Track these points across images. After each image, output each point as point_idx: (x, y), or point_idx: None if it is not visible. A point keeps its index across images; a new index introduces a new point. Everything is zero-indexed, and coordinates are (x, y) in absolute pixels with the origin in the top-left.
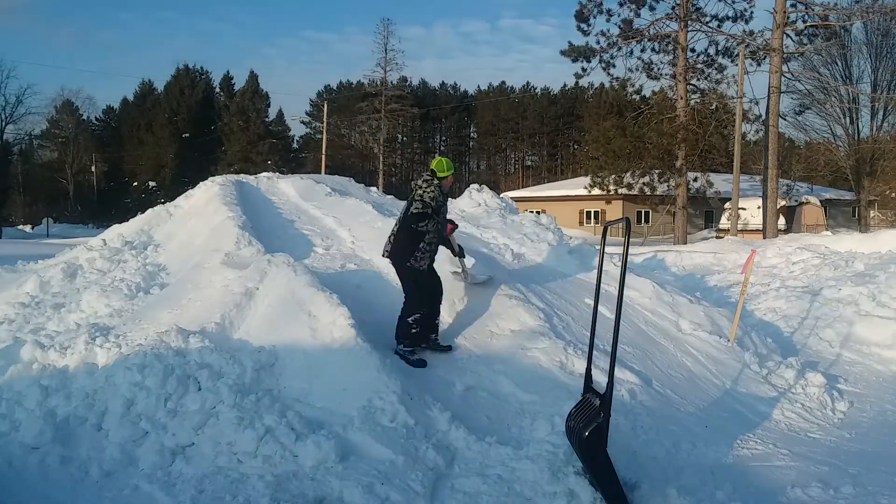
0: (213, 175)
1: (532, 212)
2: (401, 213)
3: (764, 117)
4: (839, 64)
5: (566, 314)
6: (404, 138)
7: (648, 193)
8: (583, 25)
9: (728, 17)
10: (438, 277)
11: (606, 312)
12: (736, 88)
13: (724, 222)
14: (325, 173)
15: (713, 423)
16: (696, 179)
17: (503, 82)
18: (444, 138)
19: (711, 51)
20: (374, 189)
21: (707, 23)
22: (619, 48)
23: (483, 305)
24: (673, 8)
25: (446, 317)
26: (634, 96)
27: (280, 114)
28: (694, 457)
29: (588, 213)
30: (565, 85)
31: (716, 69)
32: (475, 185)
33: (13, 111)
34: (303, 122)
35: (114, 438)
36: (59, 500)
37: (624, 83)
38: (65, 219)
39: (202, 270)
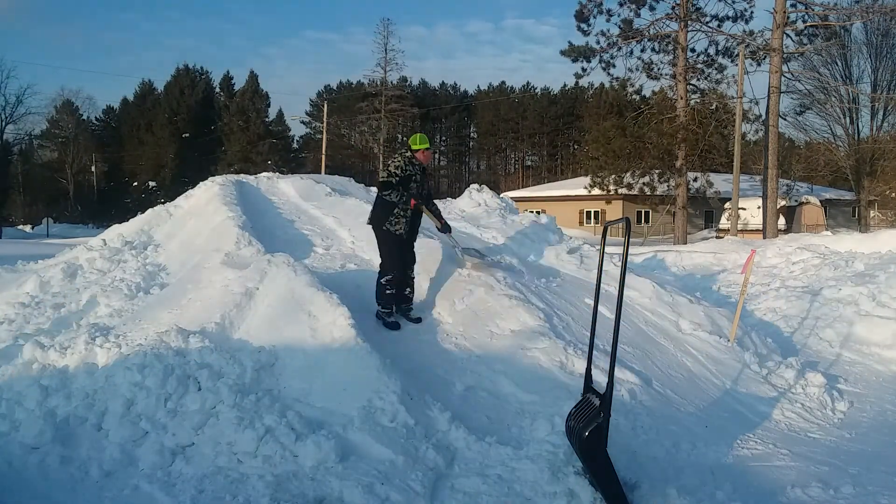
0: (213, 175)
1: (532, 212)
2: None
3: (764, 117)
4: (839, 64)
5: (566, 314)
6: (404, 138)
7: (648, 193)
8: (583, 25)
9: (728, 17)
10: (414, 254)
11: (606, 312)
12: (736, 88)
13: (724, 222)
14: (325, 173)
15: (713, 423)
16: (696, 179)
17: (503, 82)
18: (444, 138)
19: (711, 51)
20: (374, 189)
21: (707, 23)
22: (619, 48)
23: (483, 305)
24: (673, 8)
25: (447, 317)
26: (634, 96)
27: (280, 114)
28: (694, 457)
29: (588, 213)
30: (565, 85)
31: (716, 69)
32: (475, 185)
33: (13, 111)
34: (303, 122)
35: (114, 438)
36: (59, 500)
37: (624, 83)
38: (65, 219)
39: (202, 270)
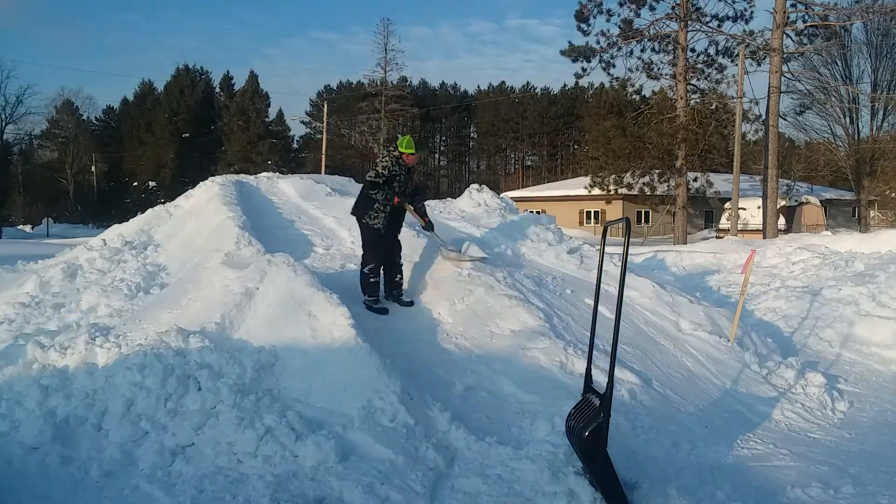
0: (213, 175)
1: (532, 212)
2: None
3: (764, 117)
4: (839, 64)
5: (566, 314)
6: None
7: (648, 193)
8: (583, 25)
9: (728, 17)
10: (399, 243)
11: (606, 312)
12: (736, 88)
13: (724, 222)
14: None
15: (713, 423)
16: (696, 179)
17: (503, 82)
18: (444, 138)
19: (711, 51)
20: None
21: (707, 23)
22: (619, 48)
23: (483, 305)
24: (673, 8)
25: (447, 317)
26: (634, 96)
27: (280, 114)
28: (694, 457)
29: (588, 213)
30: (565, 85)
31: (716, 69)
32: (475, 185)
33: (13, 111)
34: (303, 122)
35: (114, 438)
36: (59, 500)
37: (624, 83)
38: (65, 219)
39: (202, 270)
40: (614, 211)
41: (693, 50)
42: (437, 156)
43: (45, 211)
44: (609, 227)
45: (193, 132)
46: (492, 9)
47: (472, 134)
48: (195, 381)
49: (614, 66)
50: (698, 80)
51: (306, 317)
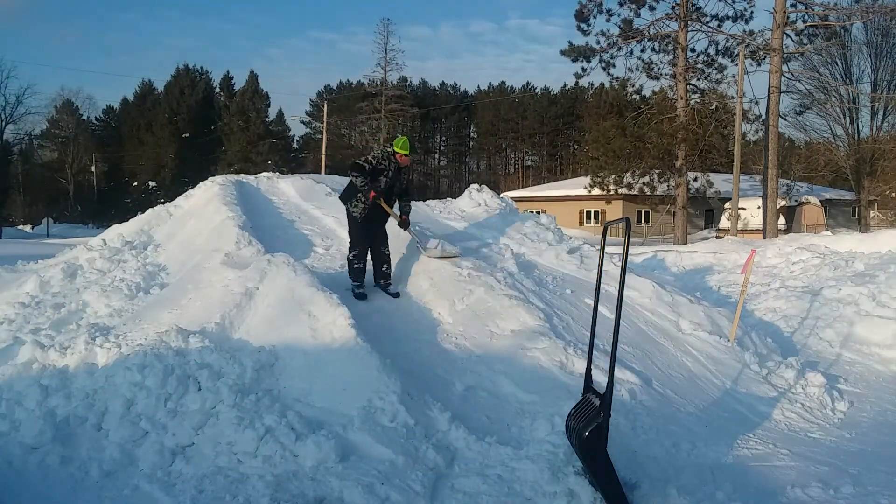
0: (213, 175)
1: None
2: None
3: (764, 117)
4: (839, 64)
5: (566, 314)
6: None
7: (648, 193)
8: (583, 25)
9: (728, 17)
10: (385, 232)
11: (606, 312)
12: (736, 88)
13: (724, 222)
14: (325, 173)
15: (713, 423)
16: (696, 179)
17: (503, 82)
18: (444, 138)
19: (711, 51)
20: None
21: (707, 23)
22: (619, 48)
23: (483, 305)
24: (673, 8)
25: (447, 317)
26: (634, 96)
27: (280, 114)
28: (694, 457)
29: (588, 213)
30: (565, 85)
31: (716, 69)
32: (475, 185)
33: (13, 111)
34: (303, 122)
35: (114, 438)
36: (59, 500)
37: (624, 83)
38: (65, 219)
39: (202, 270)
40: (614, 211)
41: (693, 50)
42: (437, 156)
43: (45, 211)
44: (609, 227)
45: (193, 132)
46: (492, 9)
47: (472, 134)
48: (195, 381)
49: (614, 66)
50: (698, 80)
51: (306, 317)
